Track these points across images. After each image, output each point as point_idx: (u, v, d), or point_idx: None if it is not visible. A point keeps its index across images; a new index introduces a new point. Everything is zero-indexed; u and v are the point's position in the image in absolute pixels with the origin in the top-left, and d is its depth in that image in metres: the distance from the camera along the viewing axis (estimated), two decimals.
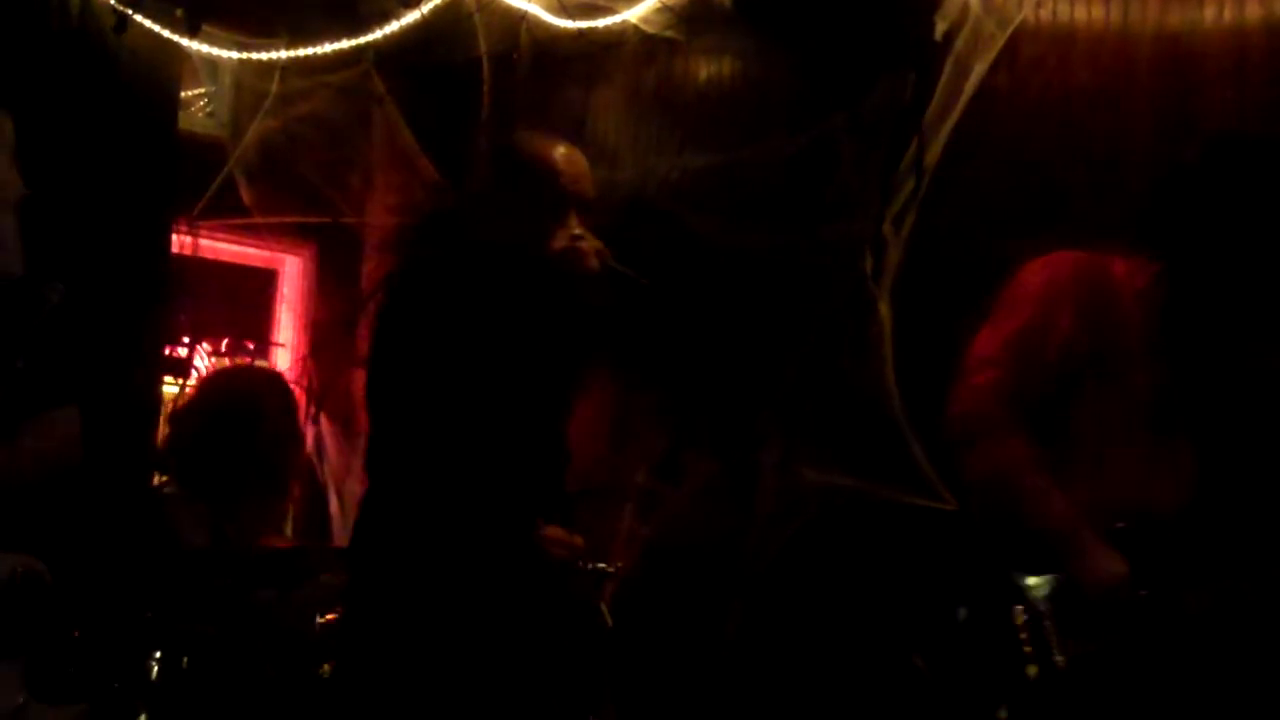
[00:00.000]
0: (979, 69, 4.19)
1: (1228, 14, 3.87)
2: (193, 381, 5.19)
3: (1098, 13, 4.12)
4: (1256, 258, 2.59)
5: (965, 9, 4.21)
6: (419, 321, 2.87)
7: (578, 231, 2.97)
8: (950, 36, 4.23)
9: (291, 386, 4.53)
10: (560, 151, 3.03)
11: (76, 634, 3.48)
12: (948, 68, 4.22)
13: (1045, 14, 4.21)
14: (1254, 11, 3.84)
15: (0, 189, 2.59)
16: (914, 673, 2.74)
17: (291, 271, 6.38)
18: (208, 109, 5.78)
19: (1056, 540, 2.63)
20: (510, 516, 2.88)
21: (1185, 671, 2.57)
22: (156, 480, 4.20)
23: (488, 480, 2.83)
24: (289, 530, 4.99)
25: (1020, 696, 2.59)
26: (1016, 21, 4.19)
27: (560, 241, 2.95)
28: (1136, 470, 2.68)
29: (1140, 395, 2.69)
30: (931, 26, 4.24)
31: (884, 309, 4.17)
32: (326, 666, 3.70)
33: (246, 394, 4.14)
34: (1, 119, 2.64)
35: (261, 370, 5.20)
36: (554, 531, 2.94)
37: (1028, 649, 2.61)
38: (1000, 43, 4.20)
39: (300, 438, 4.25)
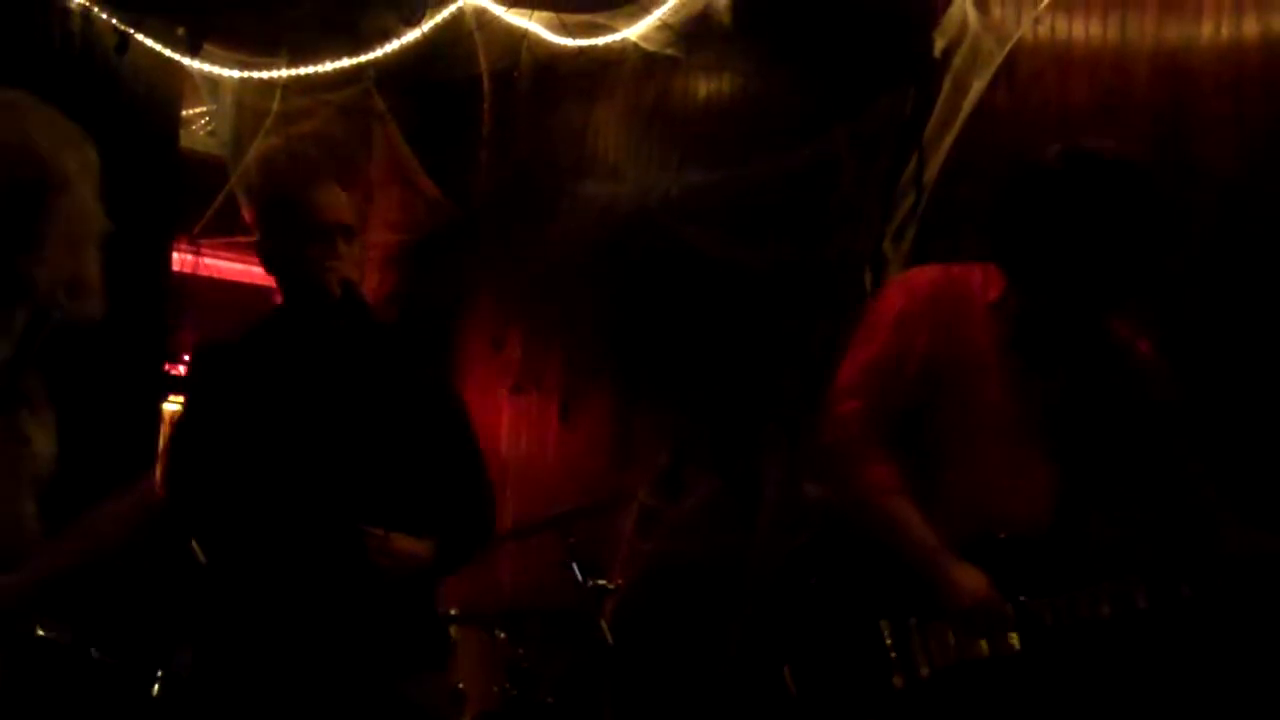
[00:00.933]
0: (978, 85, 4.20)
1: (1224, 30, 3.88)
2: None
3: (1095, 29, 4.13)
4: (1095, 272, 2.59)
5: (964, 26, 4.23)
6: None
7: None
8: (949, 53, 4.24)
9: None
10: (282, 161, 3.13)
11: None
12: (946, 84, 4.24)
13: (1043, 30, 4.22)
14: (1250, 28, 3.85)
15: (84, 222, 2.57)
16: (784, 688, 2.77)
17: None
18: (209, 127, 5.80)
19: (918, 563, 2.65)
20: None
21: (1044, 682, 2.58)
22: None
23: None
24: None
25: (886, 708, 2.62)
26: (1015, 38, 4.21)
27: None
28: (998, 483, 2.69)
29: (997, 408, 2.71)
30: (930, 43, 4.25)
31: None
32: None
33: None
34: (86, 148, 2.62)
35: None
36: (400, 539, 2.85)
37: (893, 656, 2.64)
38: (999, 59, 4.21)
39: None
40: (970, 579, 2.61)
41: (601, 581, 4.17)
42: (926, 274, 2.87)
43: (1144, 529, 2.72)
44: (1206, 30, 3.91)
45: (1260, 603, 2.65)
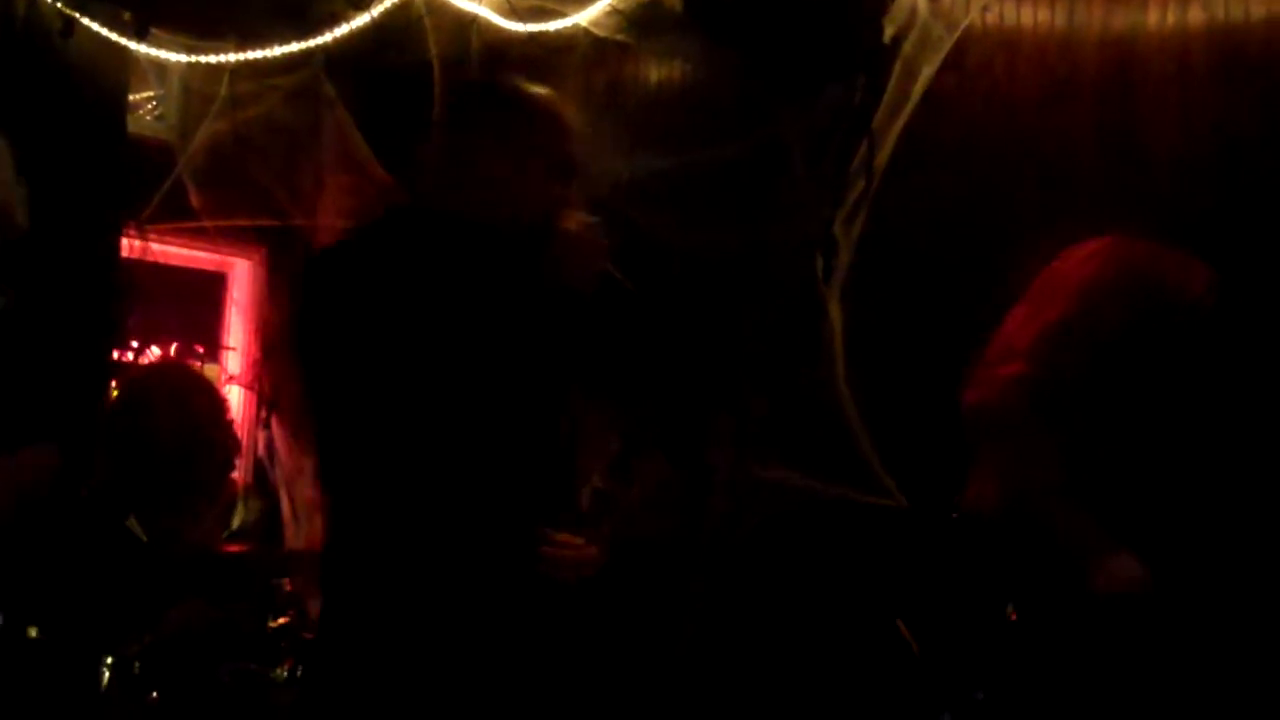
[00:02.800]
0: (927, 72, 4.23)
1: (1170, 18, 3.92)
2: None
3: (1043, 16, 4.16)
4: None
5: (913, 13, 4.25)
6: (368, 300, 2.45)
7: (593, 220, 2.63)
8: (898, 40, 4.26)
9: (231, 384, 4.49)
10: (570, 110, 2.71)
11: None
12: (896, 71, 4.26)
13: (992, 18, 4.25)
14: (1196, 15, 3.89)
15: None
16: (897, 641, 2.73)
17: (241, 275, 6.35)
18: (156, 112, 5.74)
19: (1077, 549, 2.59)
20: (501, 525, 2.52)
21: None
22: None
23: (466, 484, 2.46)
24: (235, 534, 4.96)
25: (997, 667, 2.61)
26: (964, 25, 4.23)
27: (572, 222, 2.58)
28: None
29: (1157, 404, 2.64)
30: (880, 30, 4.27)
31: (834, 310, 4.20)
32: (281, 670, 3.69)
33: (156, 392, 4.08)
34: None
35: (181, 367, 5.16)
36: (564, 539, 2.63)
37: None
38: (948, 46, 4.24)
39: (227, 437, 4.17)
40: (1132, 565, 2.57)
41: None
42: (1131, 247, 2.72)
43: None
44: (1153, 18, 3.95)
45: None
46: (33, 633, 3.53)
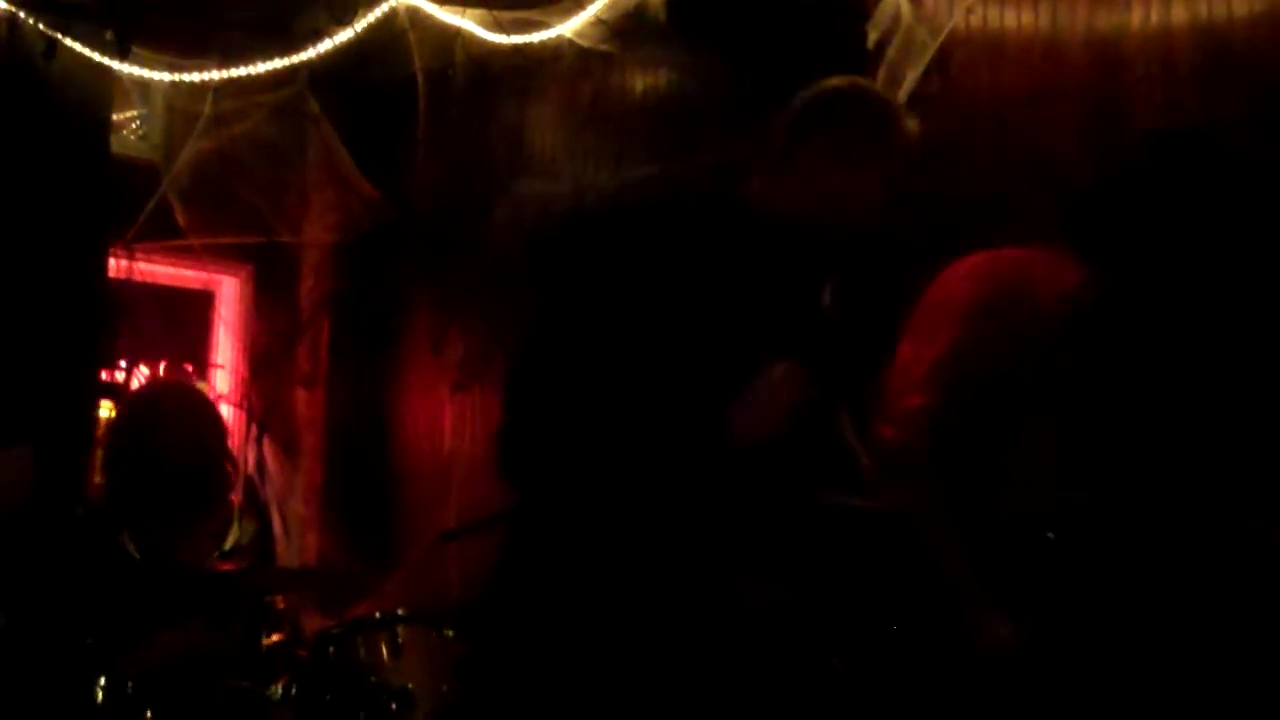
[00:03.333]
0: (911, 76, 4.23)
1: (1154, 17, 3.93)
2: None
3: (1027, 18, 4.17)
4: (1204, 265, 2.54)
5: (897, 17, 4.25)
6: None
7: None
8: (882, 45, 4.26)
9: (217, 404, 4.48)
10: (910, 122, 2.63)
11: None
12: (881, 75, 4.26)
13: (975, 20, 4.25)
14: (1180, 15, 3.90)
15: None
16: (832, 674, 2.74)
17: (229, 293, 6.34)
18: (140, 131, 5.74)
19: (954, 597, 2.62)
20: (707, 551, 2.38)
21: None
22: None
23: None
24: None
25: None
26: (947, 29, 4.23)
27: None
28: (1060, 478, 2.65)
29: (1061, 401, 2.65)
30: (864, 35, 4.27)
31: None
32: (275, 688, 3.67)
33: (164, 410, 4.08)
34: None
35: (184, 386, 5.15)
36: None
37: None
38: (932, 50, 4.23)
39: (227, 455, 4.18)
40: (1000, 628, 2.57)
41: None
42: (996, 261, 2.76)
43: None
44: (1136, 18, 3.95)
45: None
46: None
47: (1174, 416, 2.63)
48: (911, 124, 2.63)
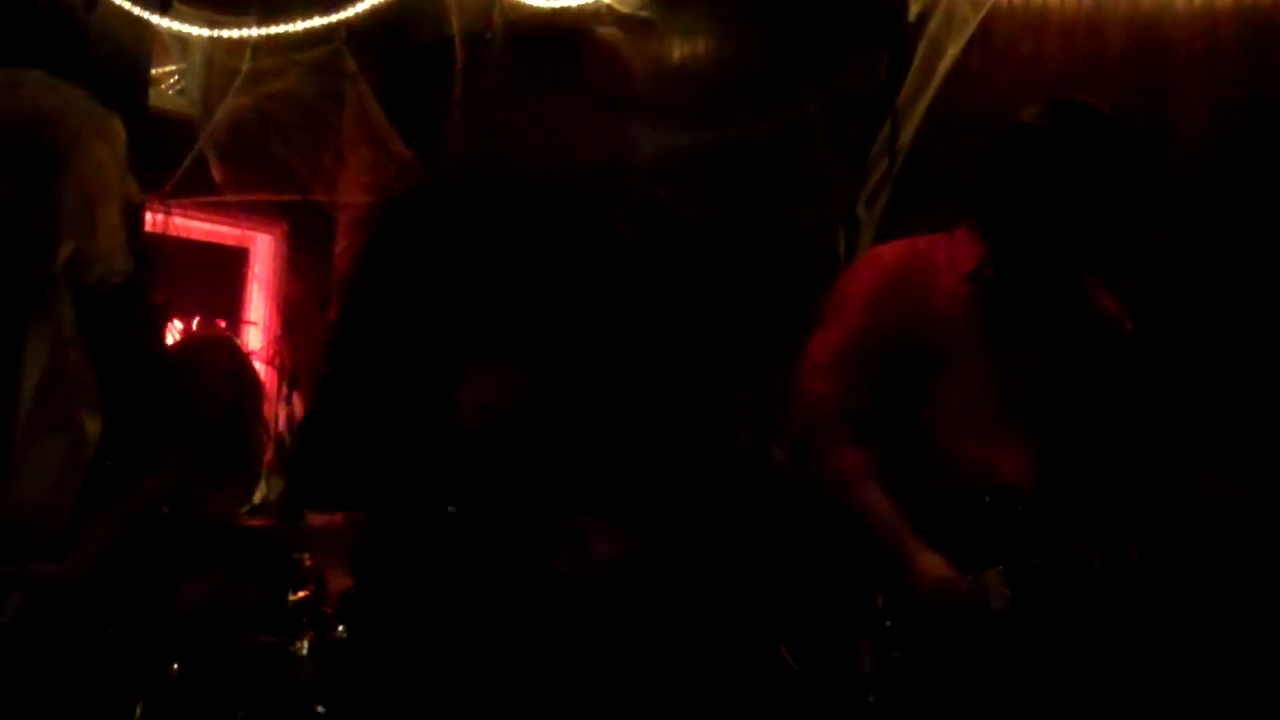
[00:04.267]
0: (952, 51, 4.21)
1: None
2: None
3: None
4: (1077, 230, 2.58)
5: None
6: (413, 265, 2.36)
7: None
8: (924, 18, 4.24)
9: (251, 357, 4.49)
10: (625, 42, 2.46)
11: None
12: (921, 49, 4.24)
13: None
14: None
15: (99, 183, 2.55)
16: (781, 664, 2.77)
17: (263, 250, 6.36)
18: (178, 87, 5.75)
19: (884, 549, 2.65)
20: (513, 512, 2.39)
21: (1039, 645, 2.61)
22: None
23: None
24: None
25: (888, 678, 2.63)
26: (990, 4, 4.21)
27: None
28: (981, 453, 2.69)
29: (976, 379, 2.70)
30: (905, 7, 4.25)
31: None
32: (301, 644, 3.70)
33: (203, 362, 4.10)
34: (107, 117, 2.63)
35: (227, 340, 5.16)
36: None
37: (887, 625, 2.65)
38: (973, 25, 4.21)
39: (258, 412, 4.20)
40: (931, 563, 2.61)
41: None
42: (895, 249, 2.85)
43: (1122, 491, 2.73)
44: None
45: (1238, 546, 2.65)
46: None
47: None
48: (626, 46, 2.44)
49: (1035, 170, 2.60)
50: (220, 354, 4.16)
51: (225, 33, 5.34)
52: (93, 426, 2.59)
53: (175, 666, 3.57)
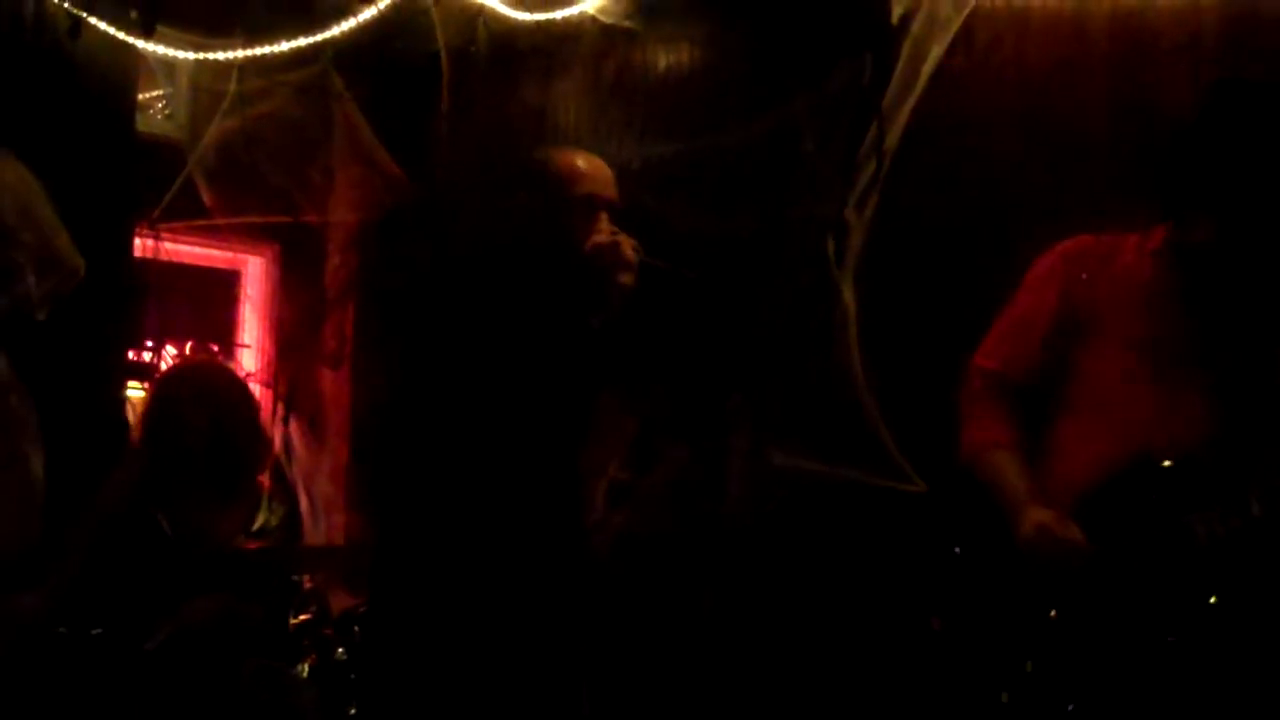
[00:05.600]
0: (936, 51, 4.20)
1: None
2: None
3: None
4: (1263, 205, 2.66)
5: None
6: (434, 331, 2.85)
7: (612, 229, 2.92)
8: (907, 20, 4.23)
9: (249, 383, 4.50)
10: (580, 158, 3.00)
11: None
12: (905, 50, 4.23)
13: None
14: None
15: None
16: (928, 635, 2.83)
17: (255, 272, 6.35)
18: (166, 111, 5.74)
19: (1004, 506, 2.78)
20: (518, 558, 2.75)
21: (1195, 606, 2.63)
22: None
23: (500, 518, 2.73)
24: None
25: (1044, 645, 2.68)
26: (972, 3, 4.20)
27: (595, 239, 2.88)
28: (1149, 416, 2.75)
29: (1152, 344, 2.78)
30: (888, 10, 4.25)
31: (848, 292, 4.18)
32: (303, 666, 3.69)
33: (198, 389, 4.11)
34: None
35: (216, 366, 5.17)
36: None
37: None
38: (957, 25, 4.20)
39: (259, 434, 4.21)
40: (1038, 513, 2.72)
41: None
42: (1076, 239, 2.99)
43: None
44: None
45: None
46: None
47: None
48: (583, 162, 3.01)
49: (1211, 145, 2.70)
50: (198, 385, 4.16)
51: (211, 55, 5.33)
52: (37, 462, 2.61)
53: (177, 691, 3.56)
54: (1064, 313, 2.87)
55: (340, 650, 3.80)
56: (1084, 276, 2.87)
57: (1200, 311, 2.77)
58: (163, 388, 4.23)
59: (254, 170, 5.51)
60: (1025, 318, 2.94)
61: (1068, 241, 2.98)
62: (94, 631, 3.58)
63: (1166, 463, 2.71)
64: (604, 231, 2.89)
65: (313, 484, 5.43)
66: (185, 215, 5.49)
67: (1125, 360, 2.79)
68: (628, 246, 2.88)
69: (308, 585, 4.07)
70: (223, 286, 6.35)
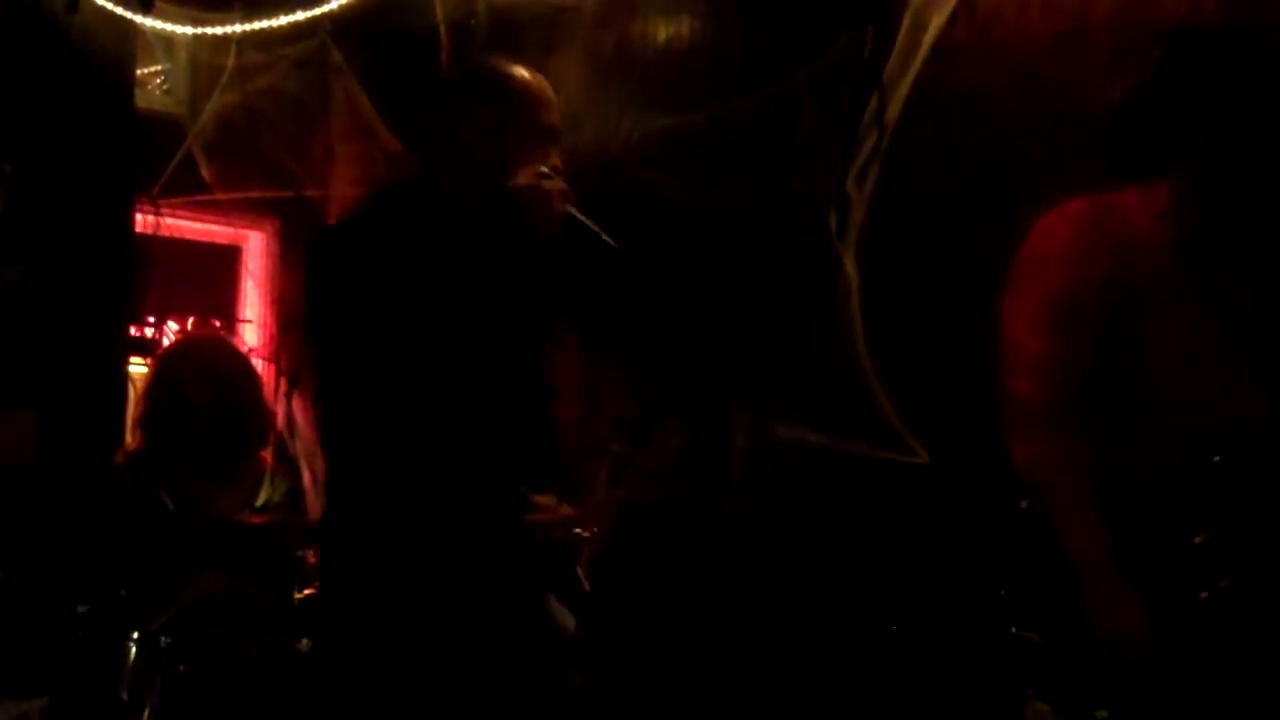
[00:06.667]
0: (937, 22, 4.18)
1: None
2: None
3: None
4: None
5: None
6: (360, 278, 2.64)
7: (545, 169, 2.71)
8: None
9: (251, 358, 4.50)
10: (536, 78, 2.82)
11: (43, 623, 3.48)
12: (906, 22, 4.21)
13: None
14: None
15: None
16: (1027, 646, 2.63)
17: (255, 247, 6.35)
18: (164, 86, 5.73)
19: (1078, 571, 2.52)
20: (487, 485, 2.67)
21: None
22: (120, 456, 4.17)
23: (457, 447, 2.60)
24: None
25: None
26: None
27: (524, 178, 2.68)
28: (1216, 391, 2.59)
29: (1194, 324, 2.61)
30: None
31: (849, 265, 4.17)
32: (306, 641, 3.70)
33: (200, 365, 4.11)
34: None
35: (219, 341, 5.18)
36: (543, 501, 2.78)
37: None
38: None
39: (261, 410, 4.22)
40: (1131, 611, 2.48)
41: (576, 530, 4.17)
42: (1076, 201, 2.75)
43: None
44: None
45: None
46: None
47: None
48: (545, 88, 2.85)
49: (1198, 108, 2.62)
50: (200, 360, 4.16)
51: (209, 30, 5.32)
52: None
53: (182, 668, 3.58)
54: (1111, 290, 2.60)
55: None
56: (1121, 247, 2.62)
57: (1226, 285, 2.61)
58: (165, 364, 4.24)
59: (254, 145, 5.50)
60: (1073, 296, 2.62)
61: (1070, 205, 2.74)
62: (80, 609, 3.60)
63: (1217, 459, 2.52)
64: (537, 167, 2.71)
65: (315, 459, 5.42)
66: (185, 191, 5.49)
67: (1169, 344, 2.58)
68: (555, 191, 2.70)
69: (311, 560, 4.06)
70: (224, 262, 6.35)
